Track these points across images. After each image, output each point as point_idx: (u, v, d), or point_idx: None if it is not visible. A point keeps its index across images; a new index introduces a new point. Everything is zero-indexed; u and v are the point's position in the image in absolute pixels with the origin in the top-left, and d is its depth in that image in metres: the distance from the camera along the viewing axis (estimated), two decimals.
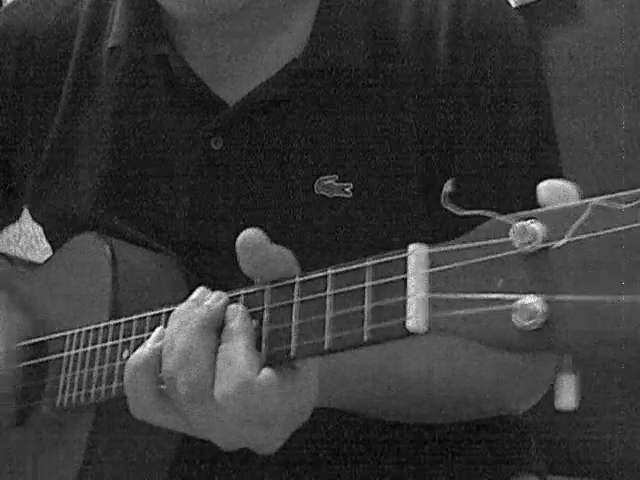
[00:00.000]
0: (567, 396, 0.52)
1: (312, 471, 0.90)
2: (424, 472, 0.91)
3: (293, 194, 0.88)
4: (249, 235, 0.66)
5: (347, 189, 0.88)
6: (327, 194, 0.88)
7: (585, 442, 1.37)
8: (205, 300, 0.69)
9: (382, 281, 0.60)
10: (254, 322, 0.68)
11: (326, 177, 0.88)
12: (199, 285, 0.71)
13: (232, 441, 0.69)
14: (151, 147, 0.92)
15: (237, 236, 0.89)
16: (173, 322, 0.69)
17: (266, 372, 0.65)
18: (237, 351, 0.65)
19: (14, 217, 1.10)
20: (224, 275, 0.86)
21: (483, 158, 0.89)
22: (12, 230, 1.13)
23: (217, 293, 0.69)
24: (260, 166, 0.89)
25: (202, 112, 0.91)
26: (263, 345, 0.66)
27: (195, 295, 0.70)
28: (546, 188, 0.53)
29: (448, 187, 0.57)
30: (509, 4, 0.97)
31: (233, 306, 0.68)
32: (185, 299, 0.70)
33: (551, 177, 0.89)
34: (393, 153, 0.88)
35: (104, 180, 0.93)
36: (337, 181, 0.88)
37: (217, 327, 0.67)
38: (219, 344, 0.67)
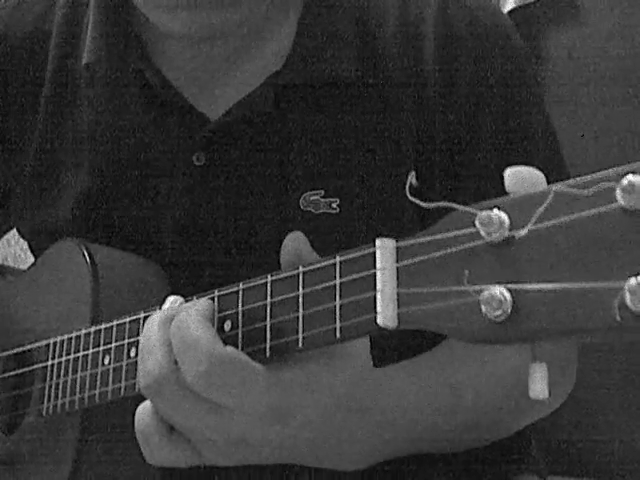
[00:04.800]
0: (539, 385, 0.51)
1: (312, 468, 0.89)
2: (424, 472, 0.91)
3: (279, 210, 0.87)
4: (295, 237, 0.67)
5: (334, 204, 0.86)
6: (314, 210, 0.87)
7: (585, 442, 1.37)
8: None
9: (351, 277, 0.60)
10: (227, 322, 0.68)
11: (311, 192, 0.87)
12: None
13: (242, 449, 0.68)
14: (133, 164, 0.91)
15: (222, 253, 0.89)
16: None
17: (231, 348, 0.65)
18: (190, 328, 0.65)
19: (11, 224, 1.09)
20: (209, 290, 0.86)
21: (484, 158, 0.88)
22: (12, 230, 1.12)
23: (173, 297, 0.70)
24: (244, 182, 0.88)
25: (184, 127, 0.89)
26: (238, 346, 0.67)
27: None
28: (512, 175, 0.52)
29: (412, 179, 0.57)
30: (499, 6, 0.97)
31: (172, 298, 0.70)
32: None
33: (557, 174, 0.91)
34: (384, 158, 0.87)
35: (85, 199, 0.92)
36: (323, 197, 0.87)
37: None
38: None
